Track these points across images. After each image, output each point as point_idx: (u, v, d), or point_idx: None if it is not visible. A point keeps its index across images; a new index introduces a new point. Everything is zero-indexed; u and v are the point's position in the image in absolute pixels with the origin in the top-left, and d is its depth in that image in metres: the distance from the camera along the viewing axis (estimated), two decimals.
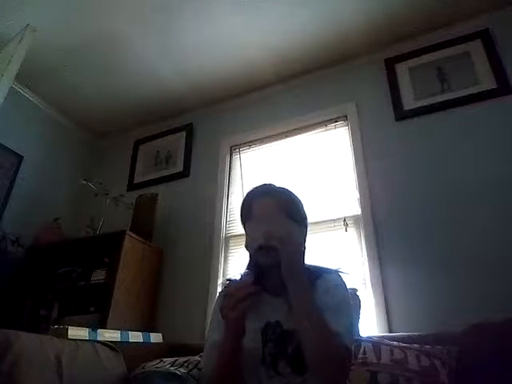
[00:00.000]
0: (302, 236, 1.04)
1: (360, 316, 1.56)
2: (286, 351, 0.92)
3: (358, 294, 1.57)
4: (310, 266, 1.03)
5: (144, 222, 2.51)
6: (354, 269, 1.98)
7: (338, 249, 2.07)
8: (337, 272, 1.03)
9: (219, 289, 2.25)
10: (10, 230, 2.49)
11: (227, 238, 2.46)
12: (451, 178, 1.99)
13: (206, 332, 1.18)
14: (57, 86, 2.85)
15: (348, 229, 2.11)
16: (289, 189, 1.10)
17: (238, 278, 1.02)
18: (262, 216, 0.99)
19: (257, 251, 0.96)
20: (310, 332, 0.85)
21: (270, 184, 1.11)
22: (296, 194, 1.09)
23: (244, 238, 1.04)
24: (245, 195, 1.11)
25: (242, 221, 1.10)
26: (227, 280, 1.12)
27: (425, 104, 2.23)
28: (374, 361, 1.32)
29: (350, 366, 0.90)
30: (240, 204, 1.11)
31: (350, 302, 1.01)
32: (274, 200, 1.03)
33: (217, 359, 0.92)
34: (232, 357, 0.90)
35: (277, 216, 0.98)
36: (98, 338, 1.54)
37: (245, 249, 1.05)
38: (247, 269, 1.05)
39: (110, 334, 1.64)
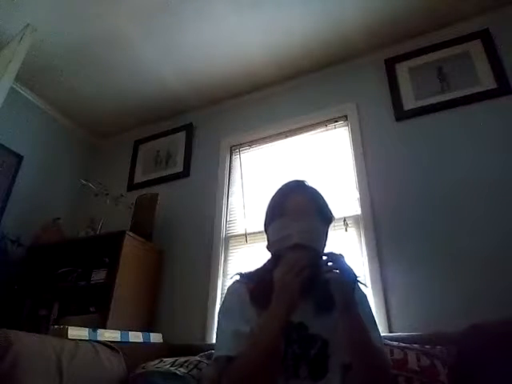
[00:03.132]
0: (327, 235, 1.02)
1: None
2: (309, 355, 0.91)
3: None
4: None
5: (144, 222, 2.51)
6: (354, 269, 1.98)
7: (338, 249, 2.06)
8: (357, 281, 1.01)
9: (219, 289, 2.26)
10: (9, 230, 2.49)
11: (227, 238, 2.46)
12: (451, 177, 1.99)
13: (215, 330, 1.11)
14: (57, 85, 2.85)
15: (348, 229, 2.11)
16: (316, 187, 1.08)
17: (253, 270, 1.02)
18: (298, 213, 0.96)
19: (290, 249, 0.92)
20: (368, 362, 0.86)
21: (303, 181, 1.09)
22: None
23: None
24: (276, 191, 1.08)
25: (269, 217, 1.04)
26: (236, 274, 1.06)
27: (425, 104, 2.23)
28: None
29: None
30: (270, 199, 1.07)
31: (372, 314, 1.02)
32: (308, 198, 1.01)
33: (255, 347, 0.83)
34: (279, 337, 0.83)
35: (313, 216, 0.96)
36: (98, 338, 1.54)
37: (268, 245, 1.02)
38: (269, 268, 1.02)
39: (110, 334, 1.64)
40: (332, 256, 0.91)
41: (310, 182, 1.09)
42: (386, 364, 0.89)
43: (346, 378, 0.92)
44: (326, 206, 1.05)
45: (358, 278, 1.00)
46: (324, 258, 0.90)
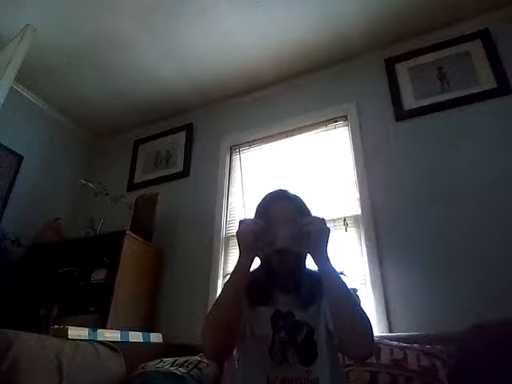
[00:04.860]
0: None
1: None
2: (296, 340, 0.96)
3: (358, 294, 1.58)
4: (314, 270, 1.03)
5: (144, 222, 2.51)
6: (354, 268, 1.98)
7: (338, 249, 2.07)
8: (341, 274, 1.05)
9: (219, 289, 2.25)
10: (10, 229, 2.49)
11: (227, 238, 2.46)
12: (451, 177, 1.99)
13: None
14: (57, 85, 2.85)
15: (348, 229, 2.11)
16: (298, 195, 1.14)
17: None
18: (282, 219, 1.00)
19: (277, 253, 1.00)
20: (340, 289, 0.90)
21: (285, 190, 1.14)
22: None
23: None
24: (261, 200, 1.13)
25: None
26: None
27: (425, 104, 2.23)
28: (374, 361, 1.32)
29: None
30: (256, 208, 1.11)
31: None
32: (291, 204, 1.08)
33: (226, 286, 0.95)
34: (246, 270, 0.93)
35: (296, 221, 0.99)
36: (98, 338, 1.54)
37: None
38: (258, 270, 1.07)
39: (110, 334, 1.64)
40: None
41: (292, 191, 1.14)
42: (359, 307, 0.91)
43: (332, 360, 0.96)
44: (309, 212, 1.10)
45: (341, 271, 1.04)
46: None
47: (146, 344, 1.83)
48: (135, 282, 2.26)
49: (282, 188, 1.15)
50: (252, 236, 0.93)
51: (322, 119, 2.53)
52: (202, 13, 2.27)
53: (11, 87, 2.08)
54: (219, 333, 0.90)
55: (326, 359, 0.94)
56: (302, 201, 1.11)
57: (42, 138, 2.98)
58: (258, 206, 1.12)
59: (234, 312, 0.91)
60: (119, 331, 1.71)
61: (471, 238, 1.81)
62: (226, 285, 0.96)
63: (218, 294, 1.06)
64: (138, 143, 3.20)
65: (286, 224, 0.97)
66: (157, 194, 2.63)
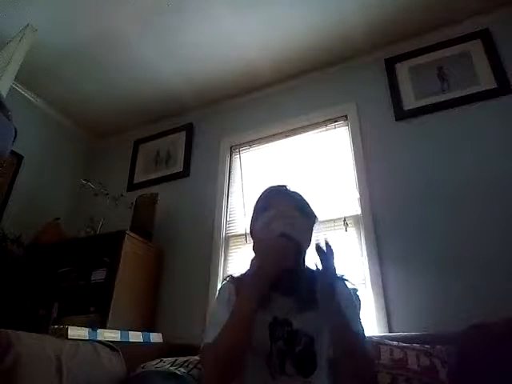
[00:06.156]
0: (311, 234, 1.05)
1: (360, 316, 1.56)
2: (294, 351, 0.92)
3: (358, 293, 1.58)
4: (313, 269, 1.03)
5: (144, 222, 2.51)
6: (354, 268, 1.98)
7: (338, 249, 2.05)
8: (342, 279, 1.04)
9: (219, 287, 2.25)
10: (10, 229, 2.49)
11: (227, 238, 2.46)
12: (451, 177, 1.99)
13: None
14: (57, 85, 2.85)
15: (348, 229, 2.11)
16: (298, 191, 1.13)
17: (242, 272, 1.04)
18: (283, 209, 1.00)
19: (278, 238, 0.96)
20: (349, 354, 0.87)
21: (285, 185, 1.14)
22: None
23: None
24: (261, 193, 1.12)
25: (254, 218, 1.09)
26: (228, 276, 1.11)
27: (425, 104, 2.23)
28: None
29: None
30: (255, 203, 1.10)
31: (358, 310, 1.04)
32: (291, 197, 1.07)
33: (227, 328, 0.89)
34: (249, 318, 0.88)
35: (297, 211, 1.00)
36: (98, 338, 1.54)
37: (254, 246, 1.05)
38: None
39: (110, 334, 1.64)
40: (319, 249, 0.92)
41: (292, 187, 1.13)
42: (368, 357, 0.90)
43: (332, 372, 0.94)
44: (309, 206, 1.09)
45: (343, 277, 1.04)
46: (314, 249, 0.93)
47: (146, 344, 1.82)
48: (135, 281, 2.26)
49: (282, 183, 1.13)
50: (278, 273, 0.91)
51: (322, 119, 2.53)
52: (202, 13, 2.27)
53: (11, 87, 2.08)
54: (227, 370, 0.86)
55: (324, 369, 0.92)
56: (301, 195, 1.10)
57: (42, 138, 2.98)
58: (258, 200, 1.10)
59: (241, 351, 0.87)
60: (119, 331, 1.70)
61: (472, 238, 1.81)
62: (228, 326, 0.89)
63: (216, 301, 1.05)
64: (138, 143, 3.20)
65: (286, 213, 0.97)
66: (157, 194, 2.63)
